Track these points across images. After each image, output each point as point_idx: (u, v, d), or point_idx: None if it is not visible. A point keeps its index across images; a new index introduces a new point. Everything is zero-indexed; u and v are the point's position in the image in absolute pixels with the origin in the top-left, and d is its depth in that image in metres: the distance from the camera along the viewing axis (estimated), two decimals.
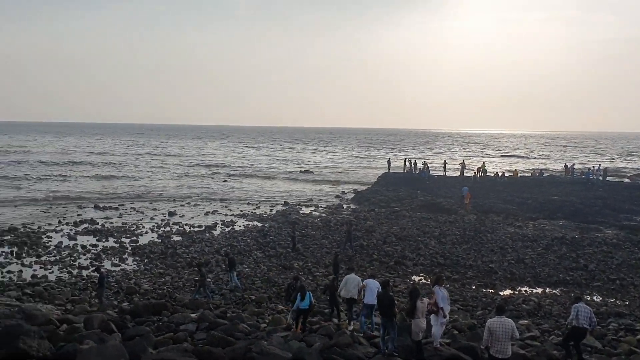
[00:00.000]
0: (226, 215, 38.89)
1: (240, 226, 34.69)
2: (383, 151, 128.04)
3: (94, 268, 22.49)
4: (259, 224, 35.23)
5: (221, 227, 34.20)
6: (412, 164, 54.90)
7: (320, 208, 42.73)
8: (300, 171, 75.38)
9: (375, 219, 36.14)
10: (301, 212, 40.51)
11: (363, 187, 54.60)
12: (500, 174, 52.11)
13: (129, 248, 28.16)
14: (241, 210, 40.92)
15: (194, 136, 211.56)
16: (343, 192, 52.80)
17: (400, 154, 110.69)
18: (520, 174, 56.11)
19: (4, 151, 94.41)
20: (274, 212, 40.51)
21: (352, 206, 43.91)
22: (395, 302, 13.00)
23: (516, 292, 22.21)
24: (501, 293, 22.00)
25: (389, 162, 60.92)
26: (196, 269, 22.73)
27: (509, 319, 10.50)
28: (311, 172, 73.97)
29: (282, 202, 45.28)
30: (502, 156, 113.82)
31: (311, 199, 48.07)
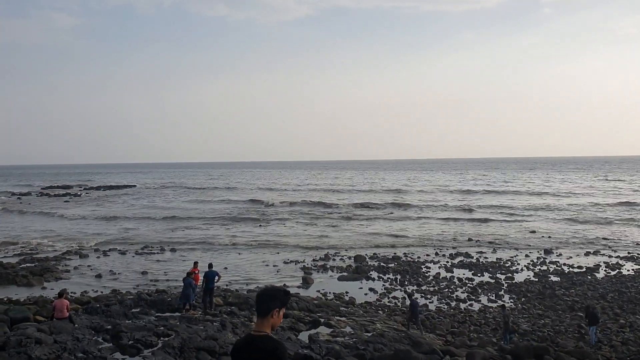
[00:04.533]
0: (610, 257, 34.71)
1: (628, 270, 30.47)
2: None
3: (407, 294, 23.22)
4: None
5: (605, 270, 30.63)
6: None
7: None
8: None
9: None
10: None
11: None
12: None
13: (505, 285, 27.55)
14: (629, 252, 36.00)
15: (550, 169, 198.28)
16: None
17: None
18: None
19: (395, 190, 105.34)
20: None
21: None
22: None
23: None
24: None
25: None
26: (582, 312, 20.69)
27: None
28: None
29: None
30: None
31: None
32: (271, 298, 4.14)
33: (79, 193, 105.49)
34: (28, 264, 32.56)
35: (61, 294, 17.16)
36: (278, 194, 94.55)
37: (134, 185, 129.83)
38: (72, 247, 39.74)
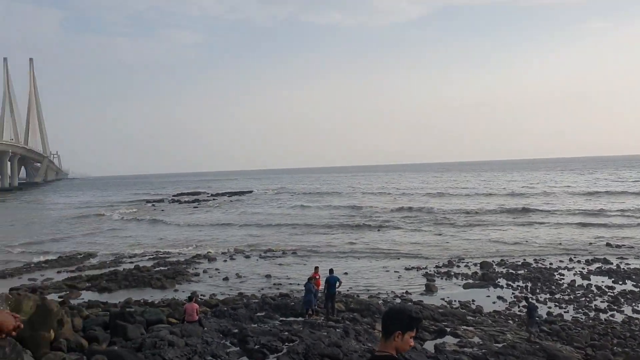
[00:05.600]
0: None
1: None
2: None
3: (524, 297, 22.34)
4: None
5: None
6: None
7: None
8: None
9: None
10: None
11: None
12: None
13: None
14: None
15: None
16: None
17: None
18: None
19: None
20: None
21: None
22: None
23: None
24: None
25: None
26: None
27: None
28: None
29: None
30: None
31: None
32: (393, 319, 3.86)
33: (206, 199, 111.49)
34: (161, 267, 34.66)
35: (191, 298, 17.88)
36: (393, 199, 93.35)
37: (252, 191, 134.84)
38: (202, 251, 41.83)
